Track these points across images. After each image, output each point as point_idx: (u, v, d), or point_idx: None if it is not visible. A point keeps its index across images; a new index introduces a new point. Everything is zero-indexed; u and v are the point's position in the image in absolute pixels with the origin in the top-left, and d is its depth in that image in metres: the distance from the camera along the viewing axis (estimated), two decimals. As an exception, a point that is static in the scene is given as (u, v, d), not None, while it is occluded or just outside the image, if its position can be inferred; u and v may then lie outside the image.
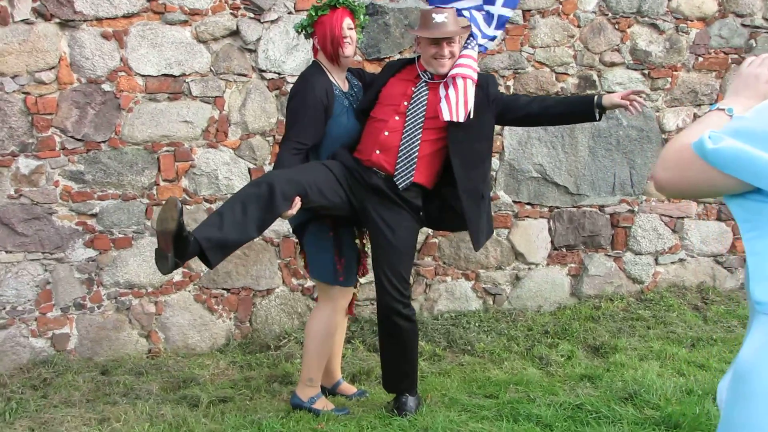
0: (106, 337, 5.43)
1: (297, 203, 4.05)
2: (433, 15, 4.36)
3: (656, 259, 6.60)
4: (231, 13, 5.46)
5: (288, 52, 5.60)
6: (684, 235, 6.63)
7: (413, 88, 4.37)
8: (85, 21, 5.18)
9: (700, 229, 6.67)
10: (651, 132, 6.48)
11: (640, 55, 6.36)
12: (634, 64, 6.36)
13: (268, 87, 5.61)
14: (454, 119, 4.19)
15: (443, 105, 4.20)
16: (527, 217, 6.28)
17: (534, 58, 6.14)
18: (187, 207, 5.49)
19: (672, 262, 6.64)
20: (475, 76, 4.32)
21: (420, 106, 4.32)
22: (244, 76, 5.55)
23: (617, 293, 6.45)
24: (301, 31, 4.51)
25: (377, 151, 4.31)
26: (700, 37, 6.47)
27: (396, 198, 4.32)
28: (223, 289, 5.67)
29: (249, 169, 5.63)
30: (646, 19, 6.34)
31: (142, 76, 5.33)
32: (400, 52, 5.82)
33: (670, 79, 6.45)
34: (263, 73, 5.59)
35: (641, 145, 6.46)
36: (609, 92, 6.20)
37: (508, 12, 4.62)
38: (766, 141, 1.51)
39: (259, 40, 5.53)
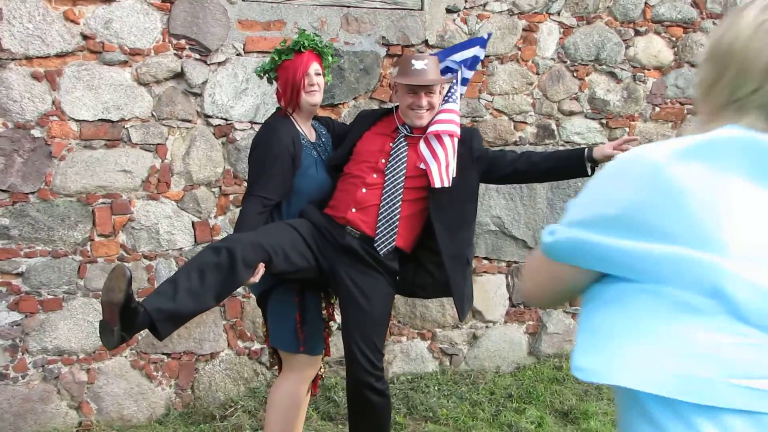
0: (32, 410, 4.87)
1: (260, 270, 3.65)
2: (413, 61, 4.02)
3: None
4: (175, 54, 5.01)
5: (236, 97, 5.17)
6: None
7: (391, 144, 4.02)
8: (13, 60, 4.65)
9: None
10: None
11: (598, 104, 6.15)
12: (593, 113, 6.15)
13: (214, 134, 5.16)
14: (446, 185, 3.87)
15: (433, 169, 3.86)
16: (485, 272, 5.97)
17: (492, 106, 5.86)
18: (125, 264, 4.98)
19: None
20: (459, 132, 4.00)
21: (399, 164, 3.96)
22: (189, 121, 5.09)
23: (575, 351, 6.18)
24: (263, 75, 4.11)
25: (353, 209, 3.93)
26: (656, 86, 6.31)
27: (371, 261, 3.94)
28: (163, 353, 5.17)
29: (193, 223, 5.17)
30: (604, 67, 6.14)
31: (77, 121, 4.82)
32: (354, 98, 5.46)
33: (627, 129, 6.25)
34: (209, 119, 5.14)
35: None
36: (567, 142, 5.99)
37: (481, 52, 4.33)
38: (597, 224, 1.41)
39: (205, 83, 5.09)
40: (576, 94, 6.08)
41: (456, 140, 3.97)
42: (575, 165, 4.01)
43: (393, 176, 3.94)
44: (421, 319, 5.78)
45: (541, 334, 6.14)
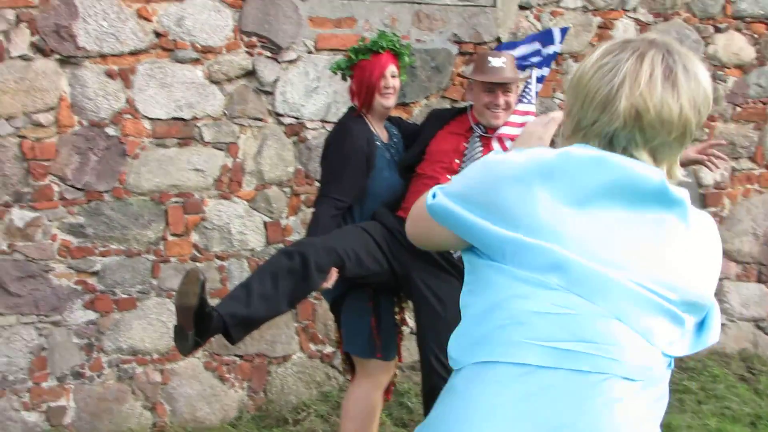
0: (107, 410, 4.83)
1: (333, 275, 3.59)
2: (489, 59, 3.94)
3: (696, 322, 6.14)
4: (247, 52, 4.99)
5: (307, 95, 5.13)
6: (723, 298, 6.19)
7: (465, 144, 3.92)
8: (88, 58, 4.68)
9: (740, 291, 6.24)
10: (688, 187, 6.04)
11: (676, 103, 5.96)
12: (671, 111, 5.96)
13: (285, 133, 5.12)
14: None
15: None
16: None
17: (567, 105, 5.72)
18: (197, 264, 4.96)
19: (712, 325, 6.18)
20: None
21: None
22: (260, 120, 5.06)
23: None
24: (337, 72, 4.07)
25: None
26: (737, 85, 6.11)
27: (445, 263, 3.83)
28: (236, 355, 5.11)
29: (264, 223, 5.12)
30: (682, 64, 5.95)
31: (150, 119, 4.83)
32: (426, 97, 5.38)
33: (707, 131, 6.05)
34: (281, 118, 5.10)
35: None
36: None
37: (557, 47, 4.23)
38: (465, 200, 1.69)
39: (276, 81, 5.06)
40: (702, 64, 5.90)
41: None
42: None
43: None
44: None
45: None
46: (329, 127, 5.06)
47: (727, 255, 6.18)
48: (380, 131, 4.04)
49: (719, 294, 6.12)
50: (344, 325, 3.99)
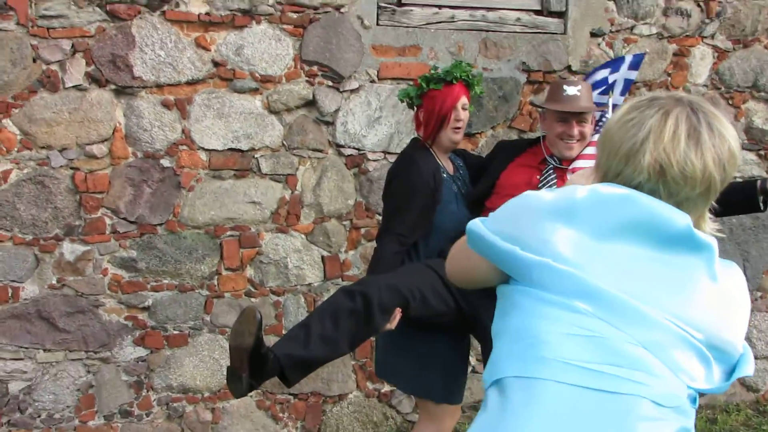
0: (155, 450, 4.69)
1: (397, 317, 3.35)
2: (564, 87, 3.69)
3: (772, 364, 5.85)
4: (307, 81, 4.79)
5: (369, 126, 4.92)
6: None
7: (539, 177, 3.68)
8: (144, 88, 4.52)
9: None
10: (721, 241, 5.77)
11: (755, 134, 5.66)
12: (749, 143, 5.67)
13: (346, 164, 4.92)
14: None
15: None
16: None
17: (640, 136, 5.45)
18: (252, 300, 4.79)
19: (788, 367, 5.89)
20: None
21: None
22: (320, 151, 4.86)
23: (731, 402, 5.68)
24: (405, 100, 3.85)
25: None
26: (820, 115, 5.78)
27: None
28: (290, 394, 4.92)
29: (323, 257, 4.93)
30: (763, 94, 5.65)
31: (206, 150, 4.66)
32: (492, 128, 5.14)
33: None
34: (341, 149, 4.91)
35: (756, 235, 5.74)
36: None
37: (633, 74, 3.98)
38: (498, 230, 1.78)
39: (337, 111, 4.86)
40: (731, 123, 5.60)
41: None
42: (745, 198, 3.57)
43: None
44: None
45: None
46: (391, 159, 4.87)
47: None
48: (446, 163, 3.82)
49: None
50: (415, 365, 3.76)
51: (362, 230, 4.98)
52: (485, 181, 3.80)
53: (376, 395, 5.09)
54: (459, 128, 3.74)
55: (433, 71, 3.75)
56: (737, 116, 5.62)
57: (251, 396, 4.87)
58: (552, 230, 1.66)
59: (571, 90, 3.67)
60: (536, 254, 1.67)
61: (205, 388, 4.79)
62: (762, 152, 5.70)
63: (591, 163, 3.58)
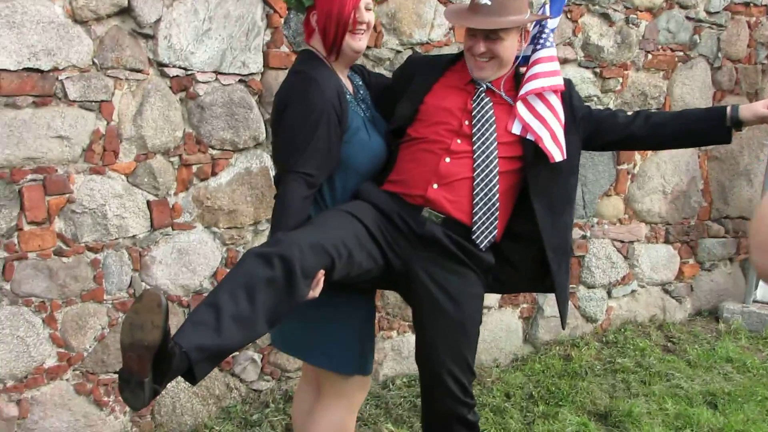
0: (-51, 462, 3.63)
1: (320, 281, 2.66)
2: None
3: (609, 292, 5.65)
4: (119, -18, 3.82)
5: (197, 40, 4.03)
6: (635, 262, 5.73)
7: (472, 102, 3.03)
8: None
9: (649, 254, 5.80)
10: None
11: (592, 51, 5.34)
12: (586, 61, 5.34)
13: (171, 88, 4.01)
14: (564, 157, 2.96)
15: (546, 139, 2.94)
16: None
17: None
18: (64, 259, 3.81)
19: (624, 295, 5.72)
20: (563, 86, 3.07)
21: (488, 126, 2.99)
22: (140, 71, 3.91)
23: (575, 336, 5.43)
24: (294, 3, 3.05)
25: (434, 185, 2.94)
26: (649, 30, 5.56)
27: (460, 253, 2.97)
28: (116, 372, 4.00)
29: (148, 202, 4.02)
30: (598, 7, 5.33)
31: (-5, 70, 3.58)
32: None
33: (621, 80, 5.49)
34: (164, 68, 3.98)
35: (591, 158, 5.46)
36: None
37: None
38: None
39: (158, 21, 3.92)
40: (570, 38, 5.24)
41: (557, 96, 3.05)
42: (712, 128, 3.11)
43: (483, 142, 2.96)
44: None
45: (537, 318, 5.34)
46: (224, 81, 4.07)
47: (637, 216, 5.71)
48: (346, 81, 3.09)
49: (631, 258, 5.67)
50: (322, 334, 3.04)
51: (194, 167, 4.12)
52: (406, 106, 3.11)
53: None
54: (362, 33, 3.01)
55: None
56: (575, 31, 5.25)
57: (67, 379, 3.92)
58: None
59: None
60: None
61: (8, 376, 3.76)
62: (597, 70, 5.39)
63: (547, 82, 2.99)
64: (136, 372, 2.28)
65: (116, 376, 3.86)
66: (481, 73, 3.05)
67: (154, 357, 2.26)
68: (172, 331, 2.37)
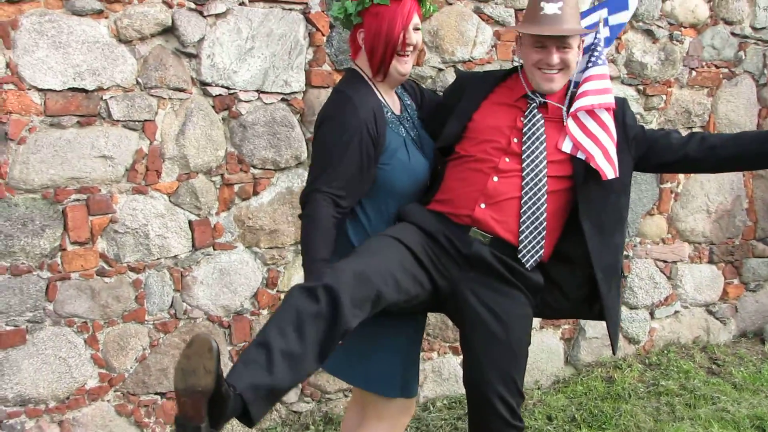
0: (-8, 483, 3.61)
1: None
2: (542, 3, 2.97)
3: (651, 313, 5.55)
4: (164, 2, 3.80)
5: (240, 59, 4.01)
6: (678, 282, 5.63)
7: (523, 119, 2.98)
8: (-49, 7, 3.37)
9: (693, 274, 5.70)
10: (642, 159, 5.42)
11: (635, 68, 5.26)
12: (629, 78, 5.26)
13: (214, 107, 3.99)
14: (617, 175, 2.90)
15: (597, 157, 2.88)
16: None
17: (528, 70, 4.89)
18: (107, 279, 3.79)
19: (667, 316, 5.62)
20: (614, 104, 3.01)
21: (538, 144, 2.93)
22: (183, 90, 3.90)
23: (617, 358, 5.33)
24: (341, 16, 3.00)
25: (481, 204, 2.89)
26: (693, 47, 5.48)
27: (507, 273, 2.91)
28: (156, 393, 3.98)
29: (190, 222, 3.99)
30: (641, 24, 5.25)
31: (40, 90, 3.56)
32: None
33: (665, 97, 5.40)
34: (207, 87, 3.96)
35: (634, 177, 5.32)
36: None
37: (623, 17, 3.32)
38: None
39: (202, 40, 3.91)
40: (613, 55, 5.17)
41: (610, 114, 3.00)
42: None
43: (533, 161, 2.90)
44: (453, 329, 4.76)
45: (579, 339, 5.24)
46: (267, 100, 4.03)
47: (681, 235, 5.61)
48: (390, 100, 3.04)
49: (674, 278, 5.58)
50: (368, 354, 2.99)
51: (235, 187, 4.09)
52: (454, 124, 3.05)
53: (259, 384, 4.24)
54: (406, 56, 2.97)
55: None
56: (618, 49, 5.18)
57: (108, 400, 3.89)
58: None
59: (550, 7, 2.95)
60: None
61: (51, 397, 3.75)
62: (641, 87, 5.32)
63: (597, 99, 2.94)
64: (191, 417, 2.22)
65: (156, 396, 3.87)
66: (552, 85, 2.98)
67: (209, 401, 2.22)
68: (224, 371, 2.33)
